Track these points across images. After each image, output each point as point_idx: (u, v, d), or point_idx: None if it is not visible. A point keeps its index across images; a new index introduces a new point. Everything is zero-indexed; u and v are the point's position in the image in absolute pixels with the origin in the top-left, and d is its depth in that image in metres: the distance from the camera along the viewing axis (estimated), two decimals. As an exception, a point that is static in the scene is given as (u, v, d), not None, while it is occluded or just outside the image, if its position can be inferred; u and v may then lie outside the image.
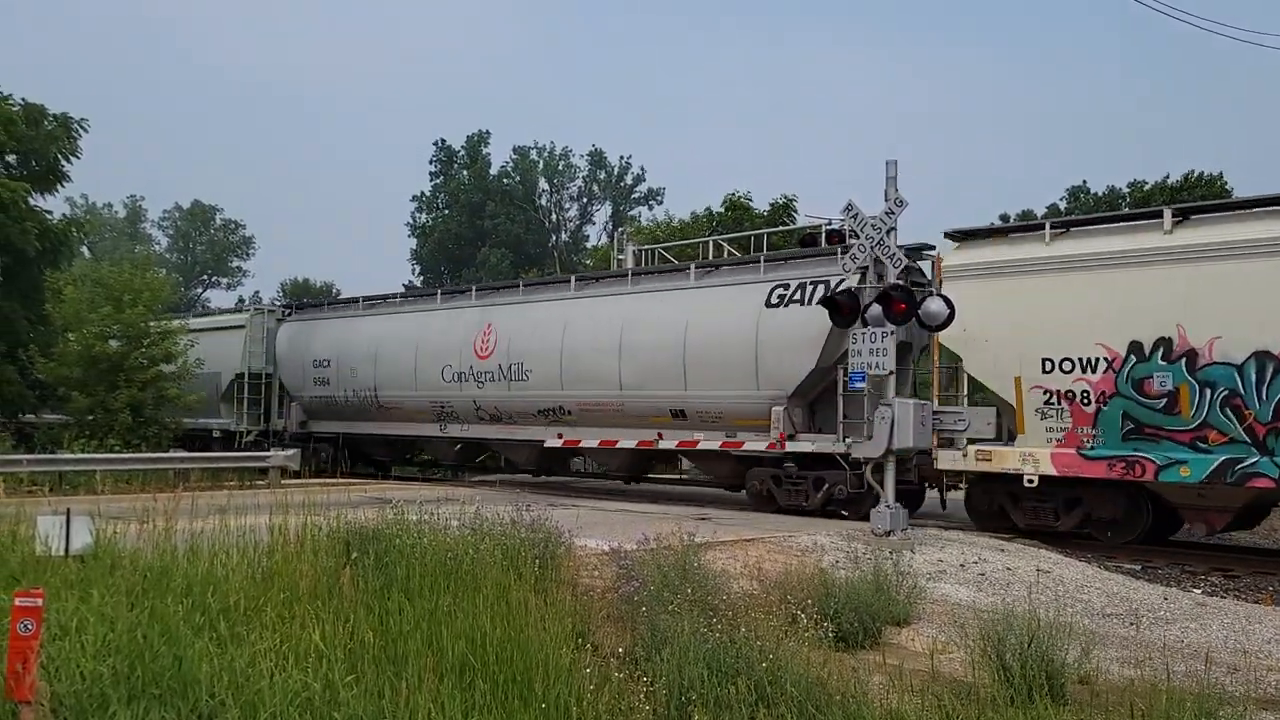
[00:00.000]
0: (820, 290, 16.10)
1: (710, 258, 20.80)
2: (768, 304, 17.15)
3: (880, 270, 14.00)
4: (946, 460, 14.89)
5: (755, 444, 17.22)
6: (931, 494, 16.93)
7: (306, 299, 30.89)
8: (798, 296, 16.79)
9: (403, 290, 27.84)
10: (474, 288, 24.06)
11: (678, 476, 25.19)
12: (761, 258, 18.45)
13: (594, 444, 19.99)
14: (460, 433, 22.65)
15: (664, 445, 18.83)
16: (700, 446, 18.21)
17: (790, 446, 16.63)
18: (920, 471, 16.15)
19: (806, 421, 17.05)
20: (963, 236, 15.50)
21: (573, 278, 22.17)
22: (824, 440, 16.32)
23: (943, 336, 14.92)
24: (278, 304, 30.60)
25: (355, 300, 26.95)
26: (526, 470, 23.29)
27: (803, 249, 18.44)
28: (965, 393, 15.59)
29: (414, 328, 23.71)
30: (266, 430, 27.26)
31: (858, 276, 14.35)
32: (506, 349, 21.06)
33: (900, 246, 14.19)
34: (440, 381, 22.40)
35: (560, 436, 20.46)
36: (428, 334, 23.13)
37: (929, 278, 15.79)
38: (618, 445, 19.59)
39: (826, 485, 16.26)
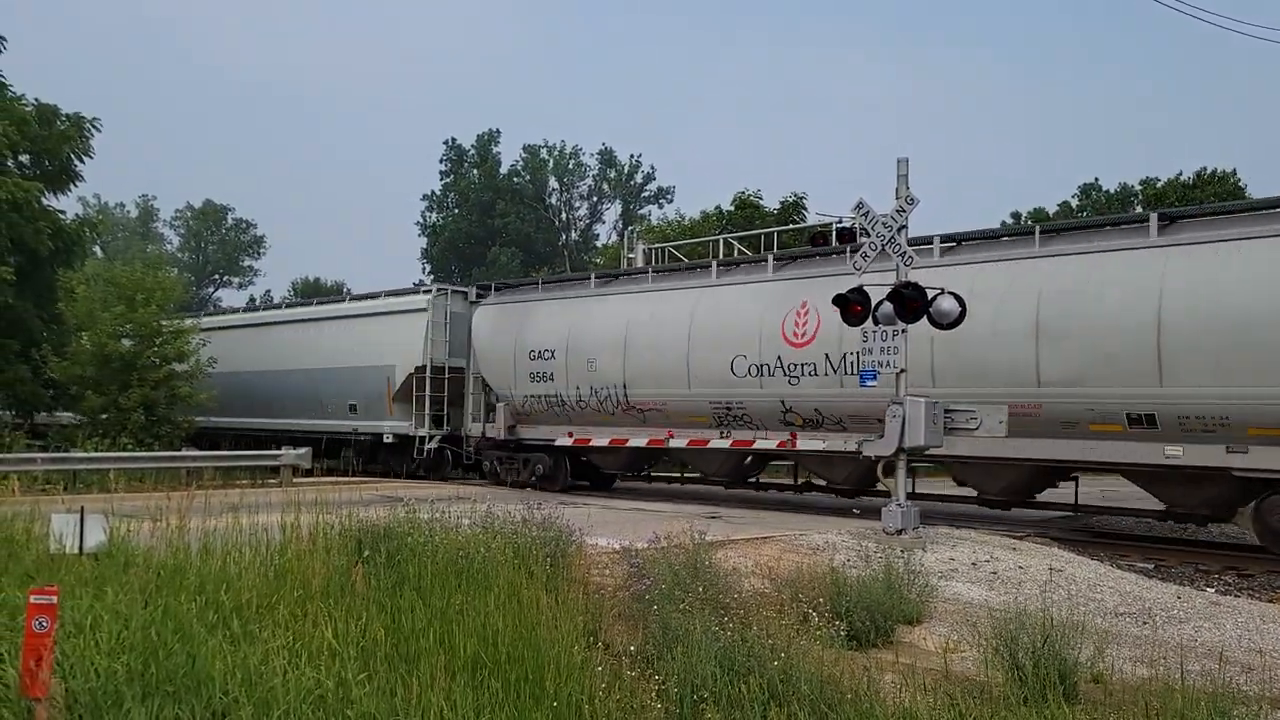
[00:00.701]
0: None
1: (721, 256, 20.77)
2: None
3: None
4: None
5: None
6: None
7: (504, 280, 24.75)
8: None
9: (647, 265, 22.32)
10: (770, 257, 18.66)
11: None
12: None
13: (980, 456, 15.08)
14: (759, 441, 17.88)
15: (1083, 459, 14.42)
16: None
17: None
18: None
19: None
20: None
21: (936, 237, 16.58)
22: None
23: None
24: (471, 285, 25.26)
25: (583, 277, 22.17)
26: (842, 490, 18.19)
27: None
28: None
29: (682, 308, 18.89)
30: (451, 435, 23.30)
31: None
32: (838, 334, 16.02)
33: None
34: (729, 376, 17.87)
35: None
36: (705, 315, 18.33)
37: None
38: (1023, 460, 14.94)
39: None
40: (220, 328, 30.17)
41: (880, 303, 13.72)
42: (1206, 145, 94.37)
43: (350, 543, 8.51)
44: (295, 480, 19.69)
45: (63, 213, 24.76)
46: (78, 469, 18.58)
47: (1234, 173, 38.35)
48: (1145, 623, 9.29)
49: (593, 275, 21.45)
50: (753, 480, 19.93)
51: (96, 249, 44.29)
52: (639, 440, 19.57)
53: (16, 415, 25.29)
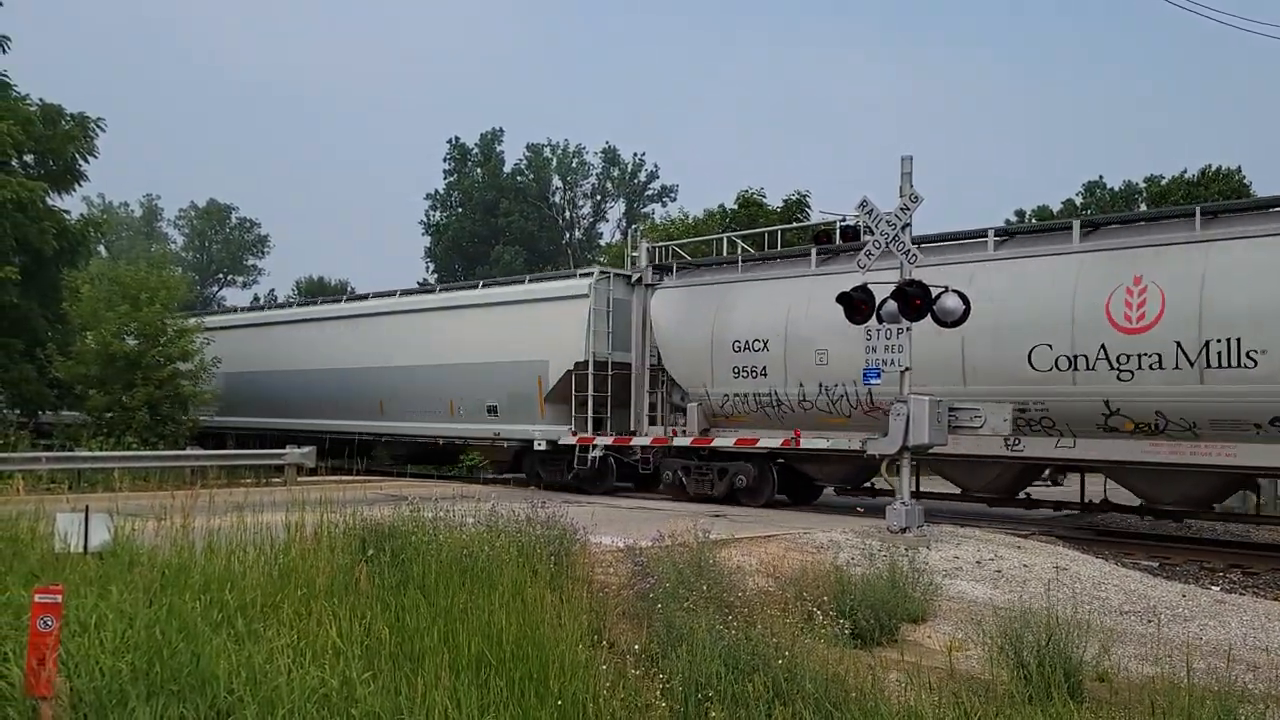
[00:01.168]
0: None
1: (725, 254, 20.64)
2: None
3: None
4: None
5: None
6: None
7: (686, 259, 20.49)
8: None
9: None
10: (1075, 222, 15.48)
11: None
12: None
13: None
14: (1061, 452, 14.91)
15: None
16: None
17: None
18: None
19: None
20: None
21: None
22: None
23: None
24: (634, 266, 21.15)
25: (801, 253, 18.68)
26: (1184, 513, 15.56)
27: None
28: None
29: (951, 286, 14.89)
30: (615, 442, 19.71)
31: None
32: (1195, 314, 13.36)
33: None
34: (1024, 370, 14.84)
35: None
36: (985, 295, 14.69)
37: None
38: None
39: None
40: (290, 321, 28.15)
41: (884, 301, 13.70)
42: (1207, 144, 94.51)
43: (354, 541, 8.53)
44: (300, 479, 19.72)
45: (67, 212, 24.83)
46: (82, 468, 18.60)
47: (1239, 170, 38.29)
48: (1150, 621, 9.27)
49: (814, 250, 17.76)
50: (1026, 495, 16.69)
51: (101, 248, 44.38)
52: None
53: (21, 414, 25.33)
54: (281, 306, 30.30)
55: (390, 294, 26.18)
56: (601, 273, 20.54)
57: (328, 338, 26.22)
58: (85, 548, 7.91)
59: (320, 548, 8.12)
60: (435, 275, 62.09)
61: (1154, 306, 13.82)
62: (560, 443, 19.87)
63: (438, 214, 64.73)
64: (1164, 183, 41.16)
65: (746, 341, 17.83)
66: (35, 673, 4.97)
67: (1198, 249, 13.76)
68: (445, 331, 22.90)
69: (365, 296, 27.50)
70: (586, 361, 19.62)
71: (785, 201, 32.64)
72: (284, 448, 21.69)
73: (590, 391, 19.44)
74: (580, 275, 20.99)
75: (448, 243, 62.67)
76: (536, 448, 20.32)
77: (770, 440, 17.47)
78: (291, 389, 26.77)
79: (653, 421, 19.67)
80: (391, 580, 7.53)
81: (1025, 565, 11.59)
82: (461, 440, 22.46)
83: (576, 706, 5.54)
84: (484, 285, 24.14)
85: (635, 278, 20.38)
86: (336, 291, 56.99)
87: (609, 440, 19.43)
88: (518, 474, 22.10)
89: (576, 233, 66.49)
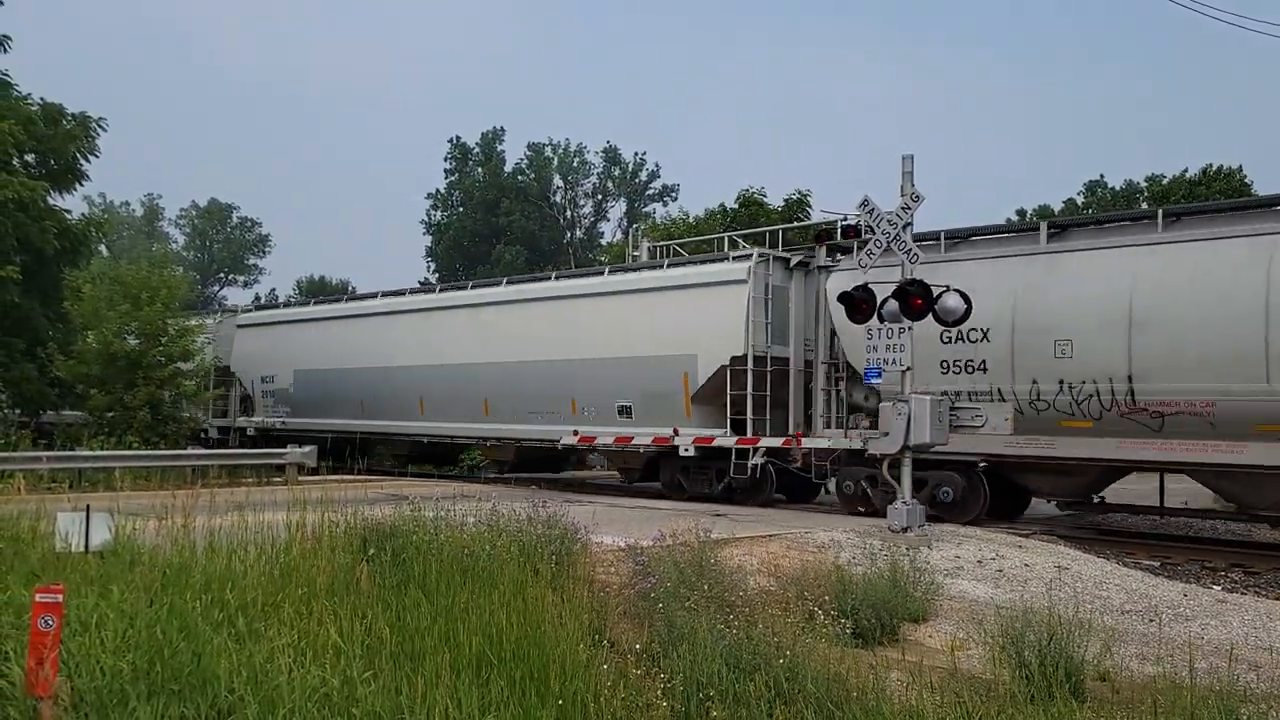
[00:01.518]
0: None
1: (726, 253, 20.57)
2: None
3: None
4: None
5: None
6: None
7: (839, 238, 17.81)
8: None
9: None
10: None
11: None
12: None
13: None
14: None
15: None
16: None
17: None
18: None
19: None
20: None
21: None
22: None
23: None
24: (794, 247, 19.61)
25: (1028, 228, 16.48)
26: None
27: None
28: None
29: (1245, 263, 13.28)
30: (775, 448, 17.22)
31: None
32: None
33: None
34: None
35: None
36: None
37: None
38: None
39: None
40: (373, 314, 25.44)
41: (885, 300, 13.69)
42: (1208, 144, 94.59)
43: (355, 541, 8.52)
44: (301, 479, 19.72)
45: (68, 212, 24.82)
46: (83, 467, 18.57)
47: (1239, 169, 38.27)
48: (1152, 620, 9.27)
49: (1043, 225, 15.76)
50: None
51: (102, 248, 44.35)
52: (1143, 453, 14.19)
53: (22, 414, 25.34)
54: (362, 298, 27.72)
55: (495, 283, 24.03)
56: (761, 255, 17.88)
57: (418, 331, 23.63)
58: (86, 547, 7.91)
59: (321, 547, 8.11)
60: (436, 275, 62.08)
61: None
62: (717, 445, 17.43)
63: (439, 213, 64.74)
64: (1165, 182, 41.17)
65: (962, 332, 15.17)
66: (35, 672, 4.97)
67: None
68: (565, 323, 20.50)
69: (465, 285, 25.21)
70: (745, 356, 17.34)
71: (786, 201, 32.62)
72: (372, 453, 20.59)
73: (749, 390, 17.18)
74: (735, 258, 18.30)
75: (449, 242, 62.67)
76: (683, 453, 17.72)
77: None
78: (375, 388, 24.31)
79: (820, 424, 17.27)
80: (392, 580, 7.53)
81: (1027, 565, 11.58)
82: (586, 444, 20.31)
83: (577, 706, 5.54)
84: (610, 272, 21.14)
85: (795, 260, 18.21)
86: (337, 291, 57.02)
87: (777, 442, 17.12)
88: (651, 483, 19.88)
89: (578, 232, 66.49)
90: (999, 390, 15.15)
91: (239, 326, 29.28)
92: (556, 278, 22.54)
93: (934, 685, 6.09)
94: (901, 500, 13.59)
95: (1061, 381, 14.62)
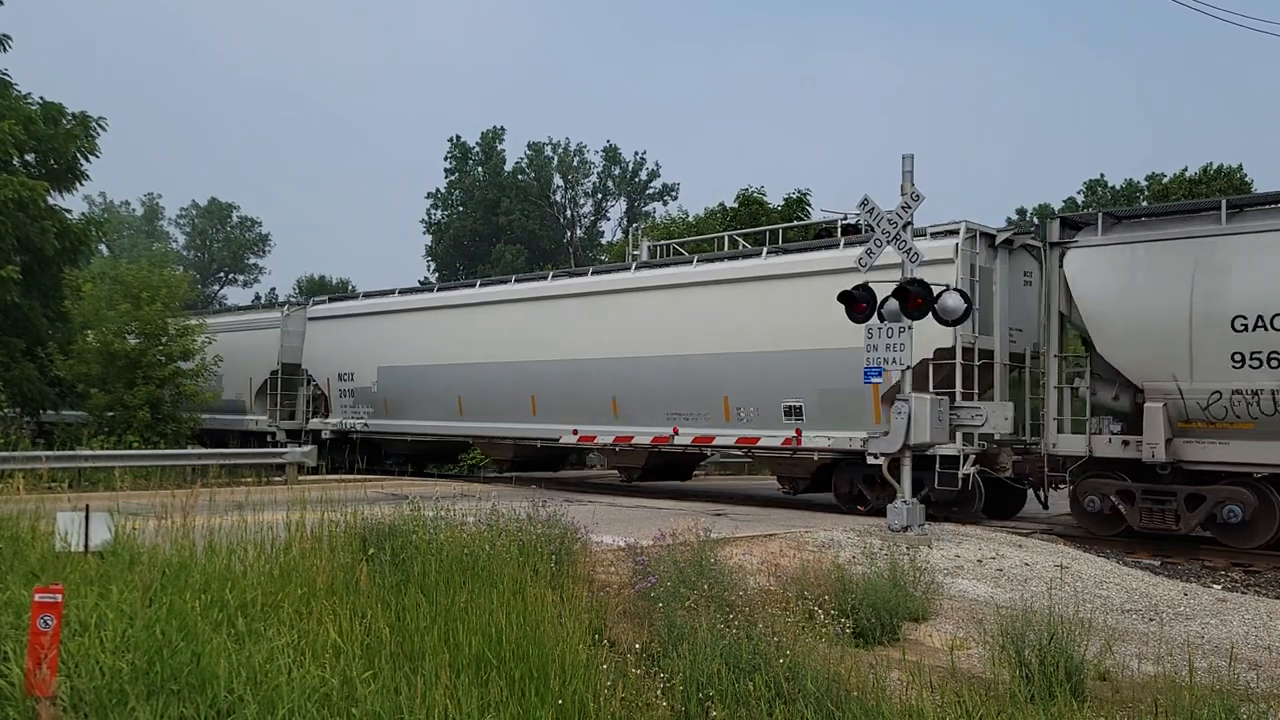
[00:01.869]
0: None
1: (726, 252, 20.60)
2: None
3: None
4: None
5: None
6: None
7: (1113, 208, 16.04)
8: None
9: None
10: None
11: None
12: None
13: None
14: None
15: None
16: None
17: None
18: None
19: None
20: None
21: None
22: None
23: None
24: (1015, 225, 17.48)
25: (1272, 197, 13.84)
26: None
27: None
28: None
29: None
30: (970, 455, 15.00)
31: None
32: None
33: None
34: None
35: None
36: None
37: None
38: None
39: None
40: (472, 304, 23.25)
41: (885, 300, 13.68)
42: (1208, 143, 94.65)
43: (355, 540, 8.51)
44: (301, 478, 19.73)
45: (69, 211, 24.87)
46: (83, 467, 18.59)
47: (1240, 168, 38.28)
48: (1152, 620, 9.27)
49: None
50: None
51: (102, 247, 44.40)
52: None
53: (23, 413, 25.35)
54: (456, 288, 25.84)
55: (624, 268, 21.23)
56: (969, 229, 15.66)
57: (528, 323, 21.50)
58: (85, 547, 7.90)
59: (321, 547, 8.11)
60: (437, 274, 62.10)
61: None
62: (935, 452, 14.73)
63: (439, 213, 64.78)
64: (1165, 181, 41.17)
65: (1260, 318, 12.85)
66: (34, 672, 4.96)
67: None
68: (715, 312, 18.21)
69: (585, 272, 22.34)
70: (952, 349, 15.11)
71: (786, 200, 32.62)
72: (466, 455, 19.54)
73: (958, 389, 14.96)
74: (933, 235, 15.88)
75: (449, 241, 62.71)
76: (872, 460, 14.71)
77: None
78: (478, 385, 22.27)
79: (1053, 427, 14.90)
80: (392, 579, 7.52)
81: (1027, 564, 11.58)
82: (744, 450, 18.05)
83: (577, 706, 5.53)
84: (769, 253, 18.35)
85: (1001, 238, 16.10)
86: (337, 290, 56.96)
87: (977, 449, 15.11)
88: (822, 493, 17.72)
89: (578, 231, 66.52)
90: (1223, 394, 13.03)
91: (310, 319, 27.08)
92: (697, 262, 19.48)
93: (934, 685, 6.08)
94: (901, 500, 13.59)
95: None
